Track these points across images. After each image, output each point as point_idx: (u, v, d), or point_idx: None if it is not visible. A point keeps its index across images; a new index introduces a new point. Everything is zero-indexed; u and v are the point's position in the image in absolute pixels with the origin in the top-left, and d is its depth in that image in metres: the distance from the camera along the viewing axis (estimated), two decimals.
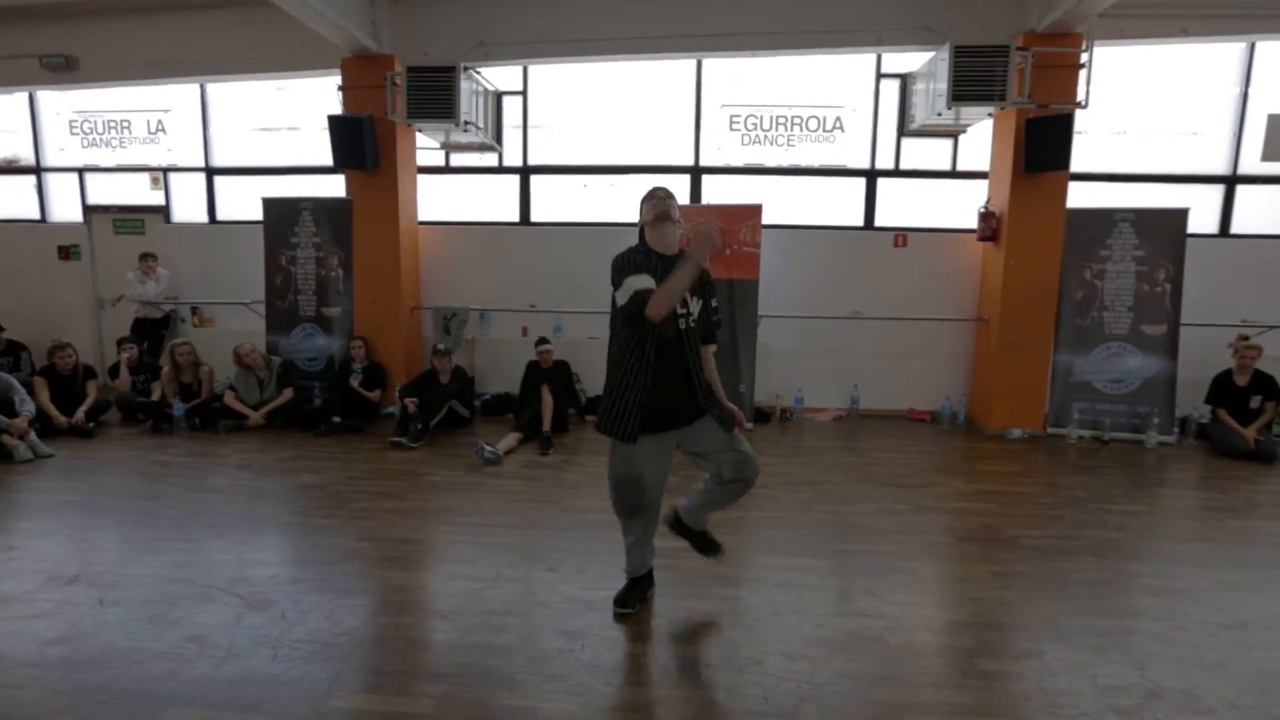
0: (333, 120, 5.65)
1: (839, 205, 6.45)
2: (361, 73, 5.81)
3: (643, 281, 2.32)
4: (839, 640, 2.52)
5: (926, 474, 4.68)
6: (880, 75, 6.22)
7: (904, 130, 6.23)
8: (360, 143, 5.60)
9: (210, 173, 7.08)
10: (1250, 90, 6.09)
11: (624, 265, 2.40)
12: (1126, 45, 5.70)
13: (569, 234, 6.57)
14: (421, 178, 6.53)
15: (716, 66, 6.33)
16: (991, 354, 5.91)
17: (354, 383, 5.86)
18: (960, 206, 6.24)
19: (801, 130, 6.35)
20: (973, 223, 6.03)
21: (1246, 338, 5.49)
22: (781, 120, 6.33)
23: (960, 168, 6.33)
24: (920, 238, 6.33)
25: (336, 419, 5.49)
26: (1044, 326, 5.80)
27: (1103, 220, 5.76)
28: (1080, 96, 5.42)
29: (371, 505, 3.84)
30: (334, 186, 6.31)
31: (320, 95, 6.42)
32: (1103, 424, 5.70)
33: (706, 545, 2.82)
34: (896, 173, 6.36)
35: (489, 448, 4.70)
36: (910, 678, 2.30)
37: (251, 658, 2.35)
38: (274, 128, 6.89)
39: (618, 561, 2.79)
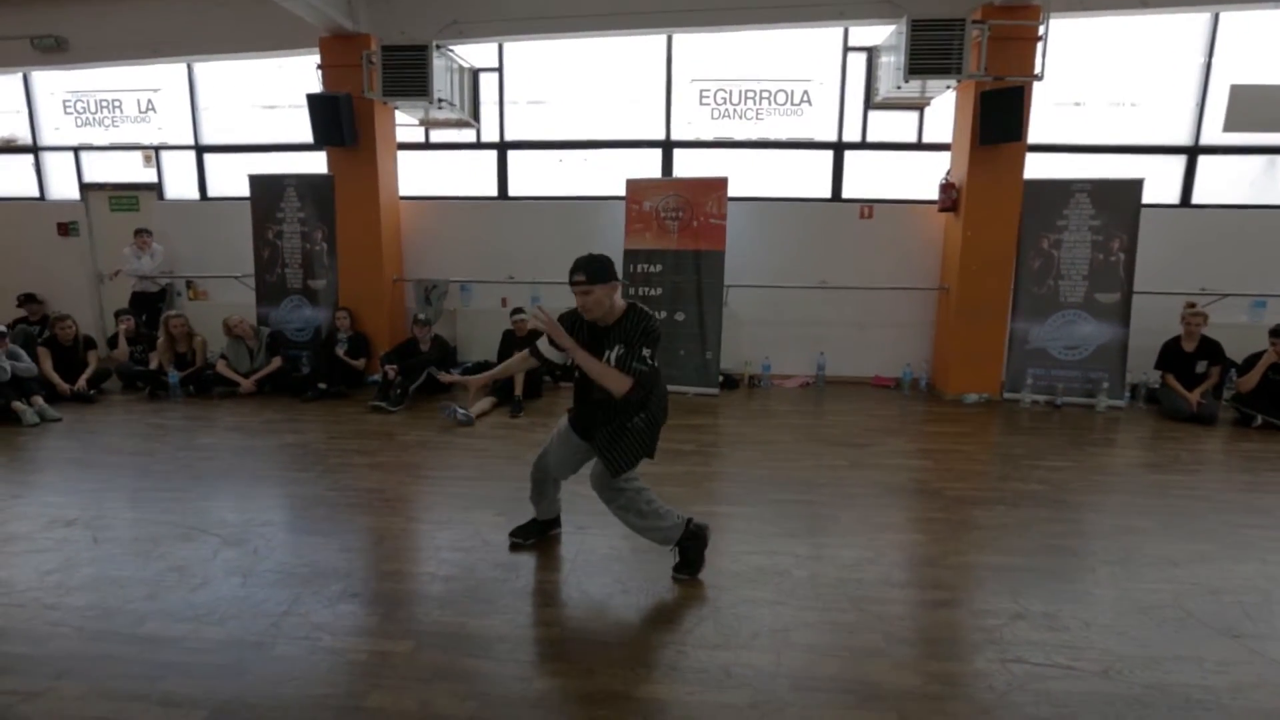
0: (311, 99, 5.86)
1: (807, 177, 6.61)
2: (340, 51, 6.00)
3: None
4: (747, 573, 2.81)
5: (874, 435, 4.94)
6: (847, 48, 6.34)
7: (870, 103, 6.36)
8: (338, 120, 5.82)
9: (200, 150, 7.32)
10: (1213, 61, 6.17)
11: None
12: (1085, 17, 5.79)
13: (545, 208, 6.79)
14: (402, 154, 6.74)
15: (686, 41, 6.46)
16: (951, 322, 6.12)
17: (340, 352, 6.15)
18: (926, 178, 6.40)
19: (770, 104, 6.50)
20: (935, 194, 6.21)
21: (1193, 305, 5.67)
22: (750, 94, 6.48)
23: (926, 140, 6.47)
24: (885, 209, 6.50)
25: (323, 386, 5.81)
26: (1001, 295, 5.99)
27: (1060, 191, 5.92)
28: (1037, 69, 5.55)
29: (345, 461, 4.16)
30: (320, 163, 6.54)
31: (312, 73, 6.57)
32: (1056, 389, 5.94)
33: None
34: (863, 145, 6.51)
35: (461, 410, 5.00)
36: (802, 602, 2.59)
37: (223, 584, 2.67)
38: (276, 105, 7.06)
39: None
